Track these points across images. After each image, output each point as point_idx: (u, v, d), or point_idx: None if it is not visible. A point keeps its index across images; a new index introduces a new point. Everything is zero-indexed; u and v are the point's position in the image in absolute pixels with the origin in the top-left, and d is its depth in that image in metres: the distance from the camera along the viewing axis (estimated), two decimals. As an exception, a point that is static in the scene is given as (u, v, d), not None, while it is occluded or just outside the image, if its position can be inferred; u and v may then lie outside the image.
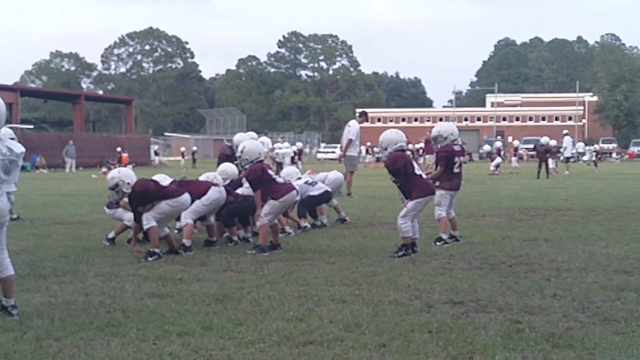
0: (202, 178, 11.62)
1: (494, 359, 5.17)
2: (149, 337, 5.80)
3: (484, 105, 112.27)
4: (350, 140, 20.34)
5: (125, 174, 10.19)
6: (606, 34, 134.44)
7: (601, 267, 8.69)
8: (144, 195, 9.85)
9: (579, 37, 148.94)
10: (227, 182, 11.66)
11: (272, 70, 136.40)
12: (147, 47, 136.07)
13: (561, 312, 6.48)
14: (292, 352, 5.38)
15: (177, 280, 8.20)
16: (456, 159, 11.03)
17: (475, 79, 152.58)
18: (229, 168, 12.13)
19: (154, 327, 6.09)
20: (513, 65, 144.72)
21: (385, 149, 10.31)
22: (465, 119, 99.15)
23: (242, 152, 10.56)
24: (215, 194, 10.74)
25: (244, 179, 11.12)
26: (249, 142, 10.98)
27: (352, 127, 20.50)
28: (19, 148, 6.40)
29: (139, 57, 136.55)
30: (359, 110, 22.17)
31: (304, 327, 6.01)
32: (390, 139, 10.33)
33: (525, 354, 5.27)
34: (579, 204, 17.18)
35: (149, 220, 9.79)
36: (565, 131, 46.32)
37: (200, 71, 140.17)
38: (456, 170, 11.07)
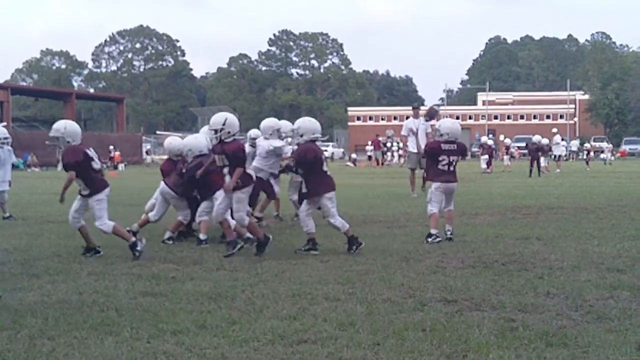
0: None
1: (487, 357, 5.18)
2: (142, 335, 5.80)
3: (475, 104, 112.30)
4: (406, 137, 20.24)
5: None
6: (597, 33, 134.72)
7: (594, 266, 8.71)
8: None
9: (570, 36, 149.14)
10: None
11: (264, 68, 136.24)
12: (137, 45, 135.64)
13: (554, 310, 6.49)
14: (286, 351, 5.38)
15: (170, 278, 8.19)
16: (442, 156, 11.06)
17: (466, 77, 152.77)
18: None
19: (147, 325, 6.08)
20: (504, 64, 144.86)
21: (301, 135, 10.30)
22: (457, 117, 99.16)
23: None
24: None
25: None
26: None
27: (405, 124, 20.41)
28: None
29: (129, 55, 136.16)
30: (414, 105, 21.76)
31: (298, 326, 6.01)
32: (308, 127, 10.34)
33: (519, 352, 5.28)
34: (571, 202, 17.22)
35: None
36: (554, 129, 46.39)
37: (191, 69, 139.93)
38: (442, 167, 11.08)
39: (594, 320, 6.17)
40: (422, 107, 22.71)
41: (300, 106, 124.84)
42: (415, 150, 19.76)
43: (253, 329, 5.94)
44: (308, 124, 10.43)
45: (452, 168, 11.18)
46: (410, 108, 21.96)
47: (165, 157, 12.74)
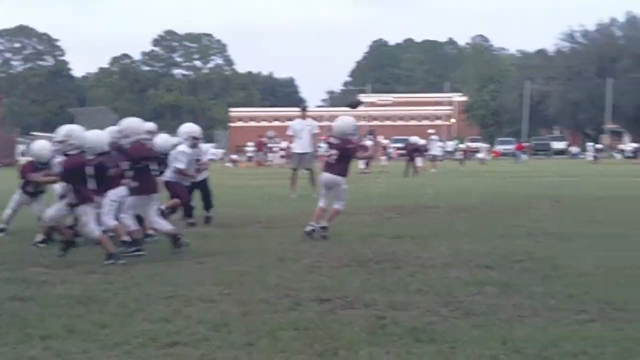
0: None
1: (358, 354, 5.26)
2: (9, 341, 5.65)
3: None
4: (292, 136, 20.17)
5: None
6: (476, 36, 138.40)
7: (464, 263, 8.94)
8: None
9: (450, 39, 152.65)
10: None
11: (146, 68, 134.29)
12: (16, 45, 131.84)
13: (425, 307, 6.64)
14: (158, 354, 5.34)
15: (40, 282, 7.99)
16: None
17: (349, 79, 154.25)
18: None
19: (15, 330, 5.93)
20: (386, 66, 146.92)
21: (127, 137, 10.35)
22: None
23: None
24: None
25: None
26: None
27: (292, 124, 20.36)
28: None
29: (8, 55, 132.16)
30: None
31: (171, 328, 5.97)
32: (134, 129, 10.49)
33: (388, 348, 5.39)
34: (445, 202, 17.59)
35: None
36: (430, 131, 47.50)
37: (70, 69, 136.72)
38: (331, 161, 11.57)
39: (462, 316, 6.34)
40: (309, 109, 22.70)
41: (182, 107, 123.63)
42: (300, 151, 19.86)
43: (125, 332, 5.86)
44: (134, 124, 10.51)
45: (331, 161, 11.60)
46: (298, 109, 21.97)
47: (29, 159, 12.40)
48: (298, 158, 19.88)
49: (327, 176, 11.68)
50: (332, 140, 11.78)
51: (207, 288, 7.58)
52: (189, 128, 12.82)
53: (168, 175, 11.98)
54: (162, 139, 12.19)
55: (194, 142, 12.54)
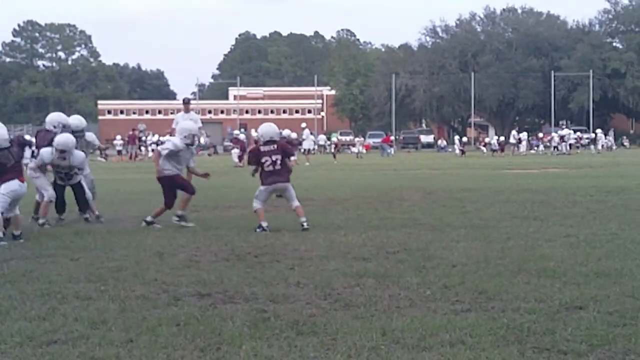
0: None
1: (240, 348, 5.26)
2: None
3: (227, 98, 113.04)
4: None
5: None
6: (342, 30, 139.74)
7: (341, 255, 9.07)
8: None
9: (316, 32, 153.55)
10: None
11: (8, 60, 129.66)
12: None
13: (305, 299, 6.71)
14: (35, 352, 5.21)
15: None
16: (264, 158, 11.67)
17: (217, 71, 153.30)
18: None
19: None
20: (254, 59, 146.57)
21: None
22: (209, 112, 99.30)
23: None
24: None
25: None
26: None
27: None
28: None
29: None
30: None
31: (48, 326, 5.83)
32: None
33: (271, 342, 5.41)
34: (320, 194, 17.78)
35: None
36: (303, 124, 47.81)
37: None
38: (266, 169, 11.68)
39: (341, 308, 6.43)
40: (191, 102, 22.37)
41: (48, 99, 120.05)
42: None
43: (0, 331, 5.70)
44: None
45: (277, 167, 11.65)
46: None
47: None
48: None
49: (281, 186, 11.88)
50: (267, 148, 11.77)
51: (82, 285, 7.44)
52: (58, 117, 12.67)
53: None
54: None
55: (63, 130, 12.40)
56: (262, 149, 11.77)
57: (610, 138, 67.24)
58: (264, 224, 11.39)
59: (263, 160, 11.66)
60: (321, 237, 10.62)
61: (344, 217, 13.10)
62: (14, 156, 10.77)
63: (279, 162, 11.69)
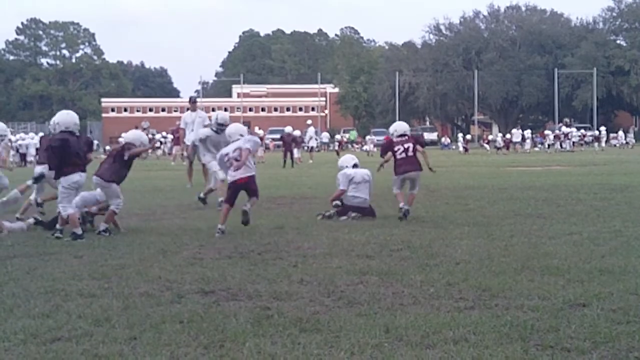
0: None
1: (244, 345, 5.26)
2: None
3: (230, 96, 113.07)
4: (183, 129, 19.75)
5: None
6: (345, 27, 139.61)
7: (345, 253, 9.07)
8: None
9: (320, 30, 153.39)
10: None
11: (12, 58, 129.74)
12: None
13: (308, 297, 6.70)
14: (39, 350, 5.21)
15: None
16: (397, 147, 12.74)
17: (221, 69, 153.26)
18: None
19: None
20: (258, 57, 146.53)
21: None
22: (213, 110, 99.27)
23: None
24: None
25: None
26: None
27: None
28: None
29: None
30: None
31: (51, 324, 5.83)
32: None
33: (274, 339, 5.41)
34: (324, 192, 17.74)
35: None
36: (309, 122, 47.80)
37: None
38: (399, 157, 12.67)
39: (345, 305, 6.42)
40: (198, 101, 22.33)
41: (52, 97, 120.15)
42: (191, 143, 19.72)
43: (3, 329, 5.71)
44: None
45: (409, 154, 12.67)
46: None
47: None
48: (192, 149, 19.68)
49: (412, 174, 12.76)
50: (399, 139, 12.94)
51: (86, 282, 7.44)
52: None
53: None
54: None
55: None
56: (396, 140, 12.93)
57: (631, 135, 67.04)
58: (402, 205, 12.28)
59: (395, 149, 12.75)
60: (324, 234, 10.62)
61: (347, 215, 13.07)
62: (81, 150, 10.92)
63: (411, 150, 12.70)
